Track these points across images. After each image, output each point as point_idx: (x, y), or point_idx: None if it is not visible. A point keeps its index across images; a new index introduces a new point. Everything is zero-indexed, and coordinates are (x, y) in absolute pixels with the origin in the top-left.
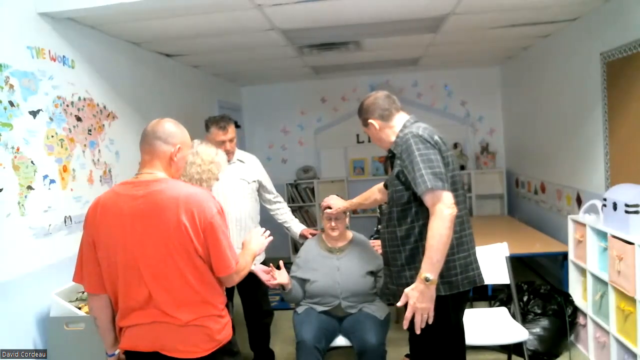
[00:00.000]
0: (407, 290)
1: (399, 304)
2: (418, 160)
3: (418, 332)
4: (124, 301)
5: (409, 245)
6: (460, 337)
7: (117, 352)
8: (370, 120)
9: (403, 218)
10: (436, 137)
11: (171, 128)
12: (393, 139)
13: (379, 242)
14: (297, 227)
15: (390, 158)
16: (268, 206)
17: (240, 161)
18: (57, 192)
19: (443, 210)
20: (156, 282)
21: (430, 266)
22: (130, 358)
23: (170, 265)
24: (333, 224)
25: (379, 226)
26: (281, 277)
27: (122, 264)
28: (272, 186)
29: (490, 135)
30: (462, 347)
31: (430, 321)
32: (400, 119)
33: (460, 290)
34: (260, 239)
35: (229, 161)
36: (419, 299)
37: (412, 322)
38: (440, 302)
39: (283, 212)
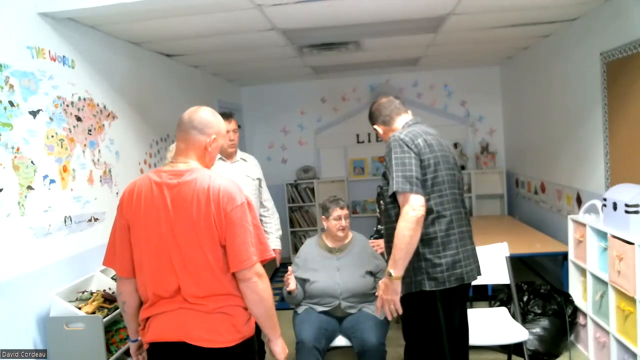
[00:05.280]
0: (379, 282)
1: (377, 293)
2: (393, 163)
3: (389, 318)
4: (153, 290)
5: None
6: (457, 337)
7: (140, 337)
8: (374, 126)
9: (389, 216)
10: (418, 141)
11: (208, 117)
12: None
13: (378, 242)
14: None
15: None
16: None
17: (243, 160)
18: (57, 192)
19: (408, 212)
20: (186, 273)
21: (394, 263)
22: (154, 352)
23: (200, 255)
24: (344, 223)
25: (379, 226)
26: (291, 284)
27: (154, 253)
28: (267, 191)
29: (490, 135)
30: (463, 348)
31: (400, 312)
32: (401, 121)
33: (447, 287)
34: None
35: (231, 160)
36: (384, 291)
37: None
38: (428, 298)
39: (268, 222)
